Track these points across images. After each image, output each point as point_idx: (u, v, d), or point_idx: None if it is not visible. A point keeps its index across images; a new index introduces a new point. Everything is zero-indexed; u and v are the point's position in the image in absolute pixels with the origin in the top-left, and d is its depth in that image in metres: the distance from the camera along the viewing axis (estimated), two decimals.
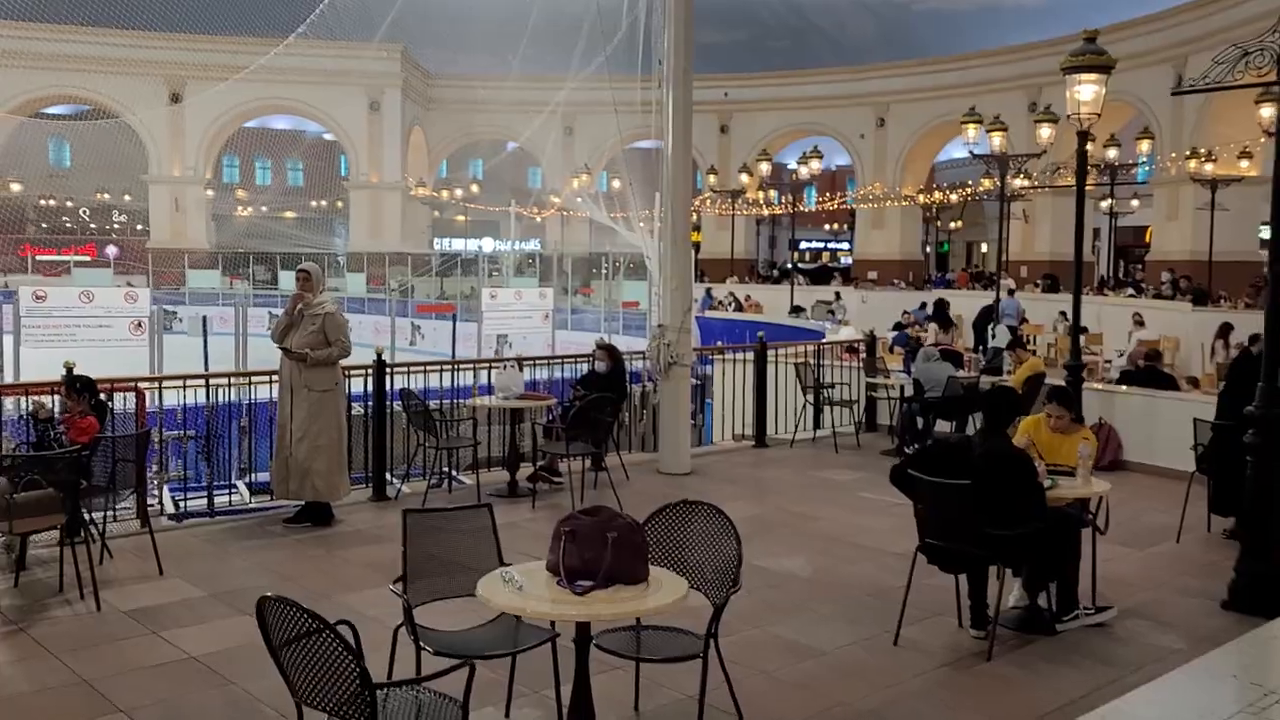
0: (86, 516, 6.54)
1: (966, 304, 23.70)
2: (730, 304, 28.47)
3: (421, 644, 4.04)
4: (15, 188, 47.48)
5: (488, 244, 49.30)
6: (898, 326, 17.42)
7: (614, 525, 3.82)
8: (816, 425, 12.08)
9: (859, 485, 9.68)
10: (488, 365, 10.36)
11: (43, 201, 52.26)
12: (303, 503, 7.91)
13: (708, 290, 29.77)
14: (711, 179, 38.41)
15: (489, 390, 9.76)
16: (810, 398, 11.63)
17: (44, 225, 52.94)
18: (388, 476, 8.96)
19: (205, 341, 11.90)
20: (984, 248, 51.28)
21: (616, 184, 27.96)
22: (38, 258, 44.76)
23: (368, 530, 7.89)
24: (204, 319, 11.68)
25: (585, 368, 10.48)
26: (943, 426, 11.06)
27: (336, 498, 7.95)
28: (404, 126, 46.86)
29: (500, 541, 4.48)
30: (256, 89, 42.73)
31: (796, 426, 11.73)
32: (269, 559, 7.10)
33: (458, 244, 50.92)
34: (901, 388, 11.27)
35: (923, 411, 10.79)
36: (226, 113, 45.22)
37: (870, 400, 12.45)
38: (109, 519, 6.91)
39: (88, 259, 45.99)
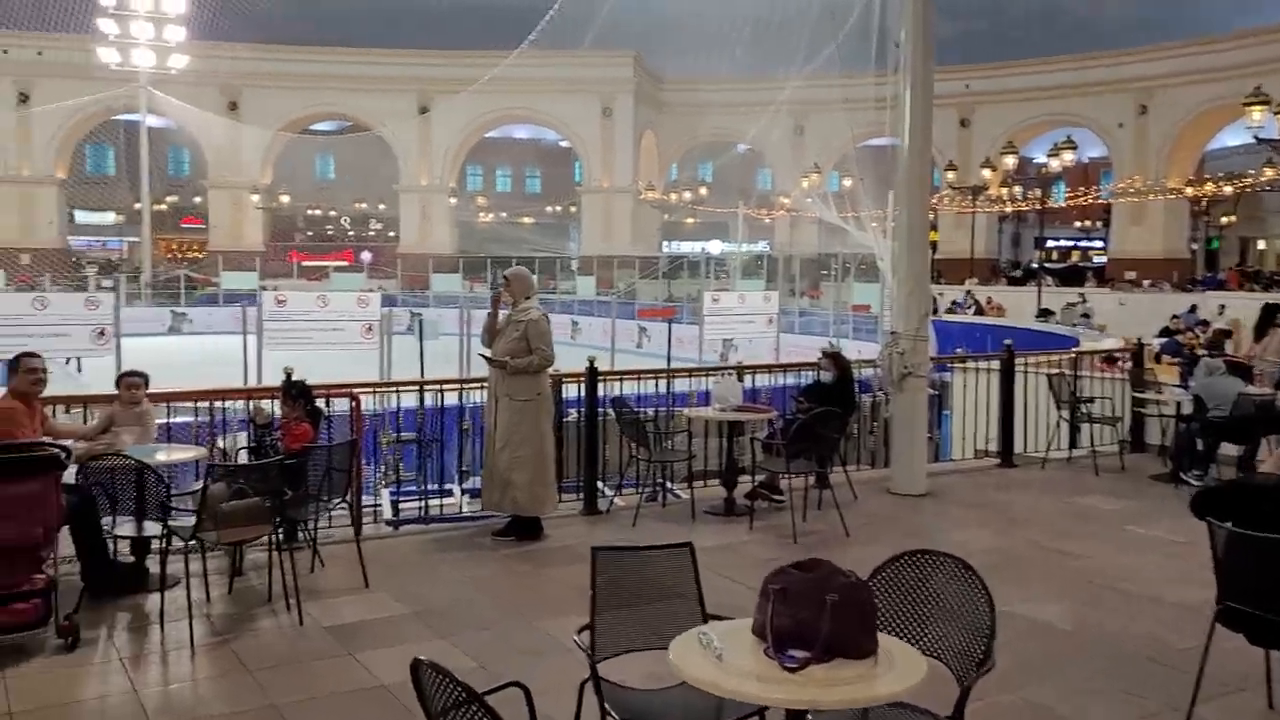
0: (298, 523, 6.50)
1: (1241, 307, 21.12)
2: (969, 306, 26.75)
3: (607, 707, 3.52)
4: (285, 199, 51.55)
5: (715, 246, 49.02)
6: (1166, 332, 15.57)
7: (834, 584, 3.14)
8: (1072, 444, 10.80)
9: (1126, 516, 8.45)
10: (705, 373, 9.82)
11: (309, 211, 56.53)
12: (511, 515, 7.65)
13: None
14: (950, 175, 36.45)
15: (706, 399, 9.23)
16: (1065, 413, 10.39)
17: (309, 233, 57.24)
18: (600, 487, 8.60)
19: (421, 345, 12.05)
20: (1260, 244, 46.19)
21: (848, 183, 26.88)
22: (303, 263, 48.25)
23: (577, 546, 7.50)
24: (420, 322, 11.86)
25: (810, 376, 9.77)
26: (1228, 450, 9.58)
27: (539, 512, 7.63)
28: (635, 131, 47.32)
29: (703, 586, 3.89)
30: (497, 100, 44.34)
31: (1049, 444, 10.52)
32: (475, 574, 6.84)
33: (686, 246, 50.94)
34: (1178, 404, 9.85)
35: (1203, 433, 9.37)
36: (470, 124, 47.15)
37: (1137, 417, 11.02)
38: (323, 526, 6.88)
39: (345, 264, 49.26)
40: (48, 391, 6.72)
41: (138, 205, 42.85)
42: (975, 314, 25.88)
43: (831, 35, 13.01)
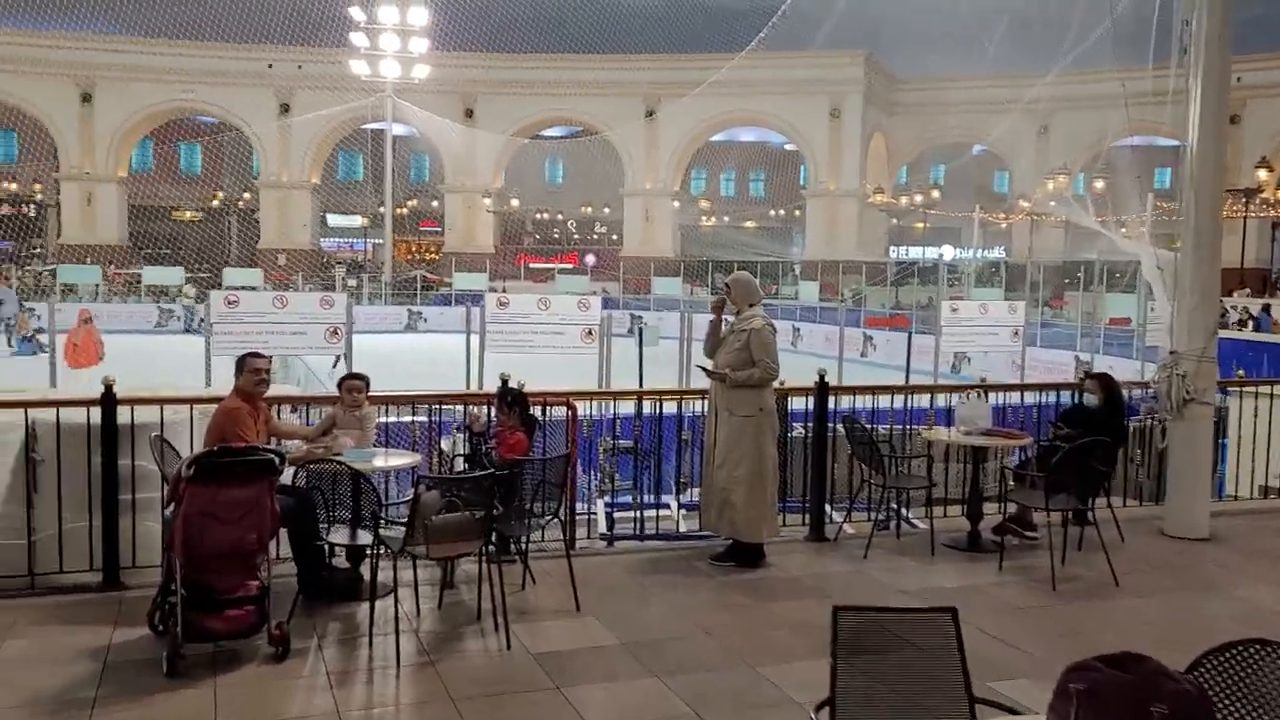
0: (510, 538, 6.21)
1: None
2: (1246, 321, 24.07)
3: None
4: (515, 203, 53.26)
5: (947, 252, 46.81)
6: None
7: (1161, 690, 2.40)
8: None
9: None
10: (948, 391, 8.94)
11: (537, 214, 58.24)
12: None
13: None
14: None
15: (946, 418, 8.38)
16: None
17: (537, 237, 58.97)
18: (827, 511, 7.92)
19: (641, 352, 11.69)
20: None
21: (1100, 184, 24.77)
22: (530, 265, 49.67)
23: (802, 579, 6.88)
24: (640, 328, 11.49)
25: (1066, 398, 8.71)
26: None
27: (756, 537, 7.04)
28: (864, 133, 45.85)
29: (968, 661, 3.19)
30: (723, 102, 44.04)
31: None
32: (689, 603, 6.33)
33: (914, 252, 48.94)
34: None
35: None
36: (695, 127, 47.08)
37: None
38: (535, 540, 6.57)
39: (570, 267, 50.32)
40: (274, 391, 6.75)
41: (381, 209, 45.32)
42: (1255, 330, 23.26)
43: (1099, 25, 11.72)
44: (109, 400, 6.14)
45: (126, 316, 31.98)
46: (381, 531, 5.67)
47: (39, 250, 48.75)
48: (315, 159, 48.49)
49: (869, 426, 7.87)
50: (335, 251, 55.34)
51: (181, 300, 34.50)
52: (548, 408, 7.38)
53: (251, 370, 6.10)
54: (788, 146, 52.06)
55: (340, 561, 6.28)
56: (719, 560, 7.07)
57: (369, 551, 5.87)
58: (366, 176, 53.24)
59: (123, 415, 6.23)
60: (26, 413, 6.17)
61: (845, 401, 8.53)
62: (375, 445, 6.74)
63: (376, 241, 51.65)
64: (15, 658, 5.20)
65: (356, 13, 40.47)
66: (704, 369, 7.15)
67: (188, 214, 53.01)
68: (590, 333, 11.22)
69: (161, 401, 6.40)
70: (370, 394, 6.75)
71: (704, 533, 7.50)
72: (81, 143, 44.84)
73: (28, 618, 5.72)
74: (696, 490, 8.58)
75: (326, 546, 6.03)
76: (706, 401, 7.30)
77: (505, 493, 5.99)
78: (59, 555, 6.20)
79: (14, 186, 50.19)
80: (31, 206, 50.52)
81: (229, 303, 10.09)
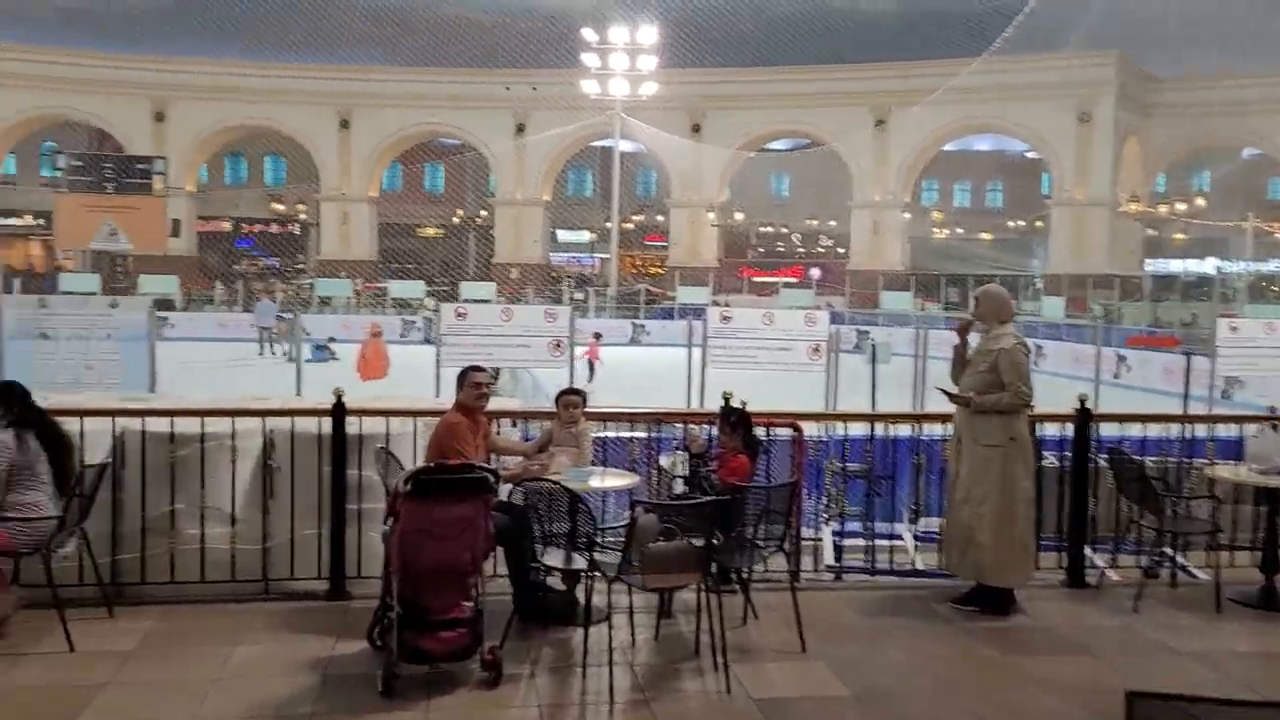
0: (731, 569, 5.81)
1: None
2: None
3: None
4: (740, 217, 53.08)
5: (1210, 264, 42.80)
6: None
7: None
8: None
9: None
10: (1232, 421, 7.84)
11: (762, 228, 57.81)
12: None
13: None
14: None
15: (1234, 451, 7.32)
16: None
17: (761, 250, 58.52)
18: (1087, 554, 7.06)
19: (874, 372, 10.98)
20: None
21: None
22: (754, 279, 49.28)
23: (1060, 631, 6.11)
24: (873, 346, 10.78)
25: None
26: None
27: (1007, 582, 6.31)
28: (1117, 138, 42.66)
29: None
30: (957, 110, 42.22)
31: None
32: (929, 652, 5.72)
33: (1173, 265, 45.05)
34: None
35: None
36: (927, 136, 45.37)
37: None
38: (757, 572, 6.15)
39: (794, 280, 49.54)
40: (497, 404, 6.65)
41: (608, 224, 46.20)
42: None
43: None
44: (339, 411, 6.20)
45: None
46: (597, 556, 5.41)
47: (302, 265, 52.79)
48: (547, 176, 50.05)
49: (1137, 459, 6.96)
50: (564, 266, 56.95)
51: (422, 312, 36.29)
52: (771, 429, 6.94)
53: (472, 385, 5.99)
54: (1028, 154, 49.29)
55: (556, 582, 6.08)
56: (962, 604, 6.39)
57: (584, 575, 5.62)
58: (595, 192, 54.54)
59: (354, 426, 6.29)
60: (264, 421, 6.32)
61: (1105, 429, 7.60)
62: (593, 463, 6.51)
63: (603, 256, 52.77)
64: (242, 665, 5.26)
65: (589, 34, 41.50)
66: (945, 392, 6.51)
67: (430, 230, 55.95)
68: (817, 349, 10.69)
69: (388, 413, 6.42)
70: (587, 409, 6.53)
71: (943, 570, 6.84)
72: (340, 165, 48.18)
73: (260, 623, 5.82)
74: (932, 520, 7.90)
75: (542, 567, 5.83)
76: (949, 428, 6.65)
77: (725, 520, 5.60)
78: (290, 562, 6.31)
79: (281, 207, 54.68)
80: (296, 225, 54.85)
81: (459, 315, 10.24)
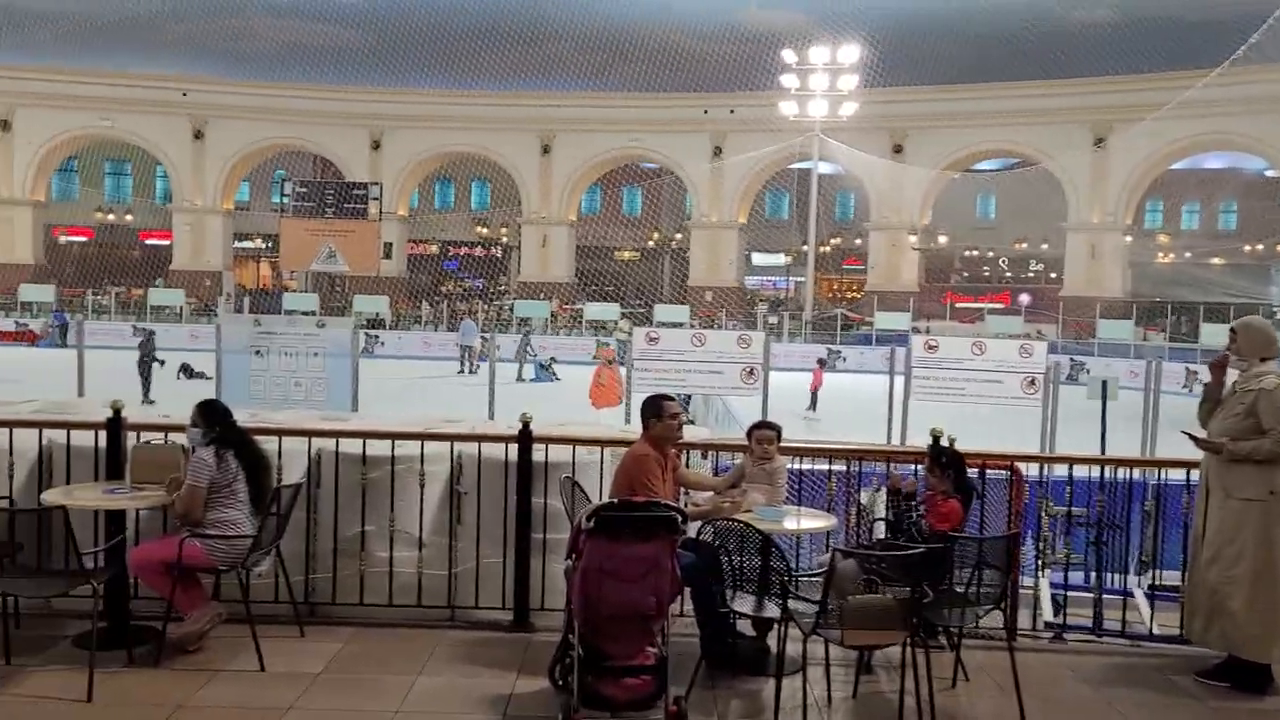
0: (940, 626, 5.28)
1: None
2: None
3: None
4: (943, 240, 51.20)
5: None
6: None
7: None
8: None
9: None
10: None
11: (966, 252, 55.58)
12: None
13: None
14: None
15: None
16: None
17: (965, 274, 56.23)
18: None
19: (1104, 411, 10.00)
20: None
21: None
22: (957, 305, 47.36)
23: None
24: (1103, 384, 9.83)
25: None
26: None
27: (1264, 657, 5.48)
28: None
29: None
30: (1186, 126, 39.33)
31: None
32: None
33: None
34: None
35: None
36: (1153, 154, 42.48)
37: None
38: (968, 629, 5.58)
39: (1001, 307, 47.28)
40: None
41: (804, 247, 45.50)
42: None
43: None
44: (525, 437, 6.05)
45: (568, 349, 34.43)
46: (791, 604, 5.00)
47: (504, 287, 54.60)
48: (743, 199, 49.82)
49: None
50: (758, 289, 56.53)
51: (616, 335, 36.70)
52: (986, 470, 6.34)
53: (670, 415, 5.70)
54: (1268, 172, 45.34)
55: (746, 627, 5.71)
56: (1209, 679, 5.61)
57: (778, 623, 5.22)
58: (791, 215, 53.90)
59: (540, 453, 6.14)
60: (453, 445, 6.25)
61: None
62: (787, 500, 6.10)
63: (798, 279, 52.01)
64: (424, 697, 5.15)
65: (788, 55, 41.09)
66: (1193, 438, 5.75)
67: (627, 253, 56.74)
68: (1033, 382, 9.87)
69: (574, 441, 6.23)
70: (782, 444, 6.13)
71: (1185, 637, 6.04)
72: (541, 190, 49.56)
73: (444, 653, 5.72)
74: (1165, 574, 7.05)
75: (732, 612, 5.47)
76: (1198, 477, 5.88)
77: (934, 570, 5.07)
78: (475, 589, 6.20)
79: (485, 230, 56.77)
80: (498, 248, 56.82)
81: (650, 339, 10.05)
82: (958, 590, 5.26)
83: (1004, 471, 6.46)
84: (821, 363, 23.36)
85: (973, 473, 6.13)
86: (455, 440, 6.21)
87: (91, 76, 45.93)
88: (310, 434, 6.17)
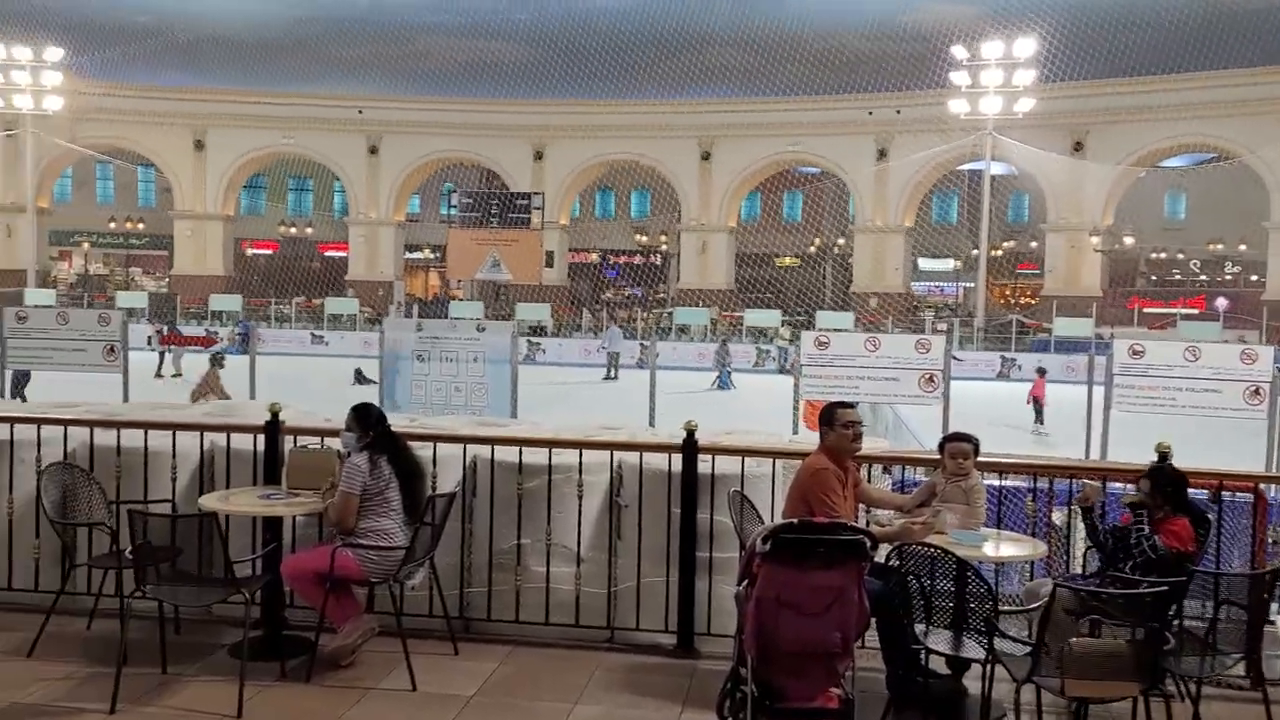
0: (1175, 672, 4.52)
1: None
2: None
3: None
4: (1129, 240, 48.13)
5: None
6: None
7: None
8: None
9: None
10: None
11: (1153, 254, 52.11)
12: None
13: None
14: None
15: None
16: None
17: (1153, 278, 52.73)
18: None
19: None
20: None
21: None
22: (1144, 310, 44.40)
23: None
24: None
25: None
26: None
27: None
28: None
29: None
30: None
31: None
32: None
33: None
34: None
35: None
36: None
37: None
38: (1207, 677, 4.78)
39: (1194, 312, 44.07)
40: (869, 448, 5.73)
41: (975, 251, 43.58)
42: None
43: None
44: (690, 447, 5.59)
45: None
46: (996, 643, 4.36)
47: (661, 295, 54.53)
48: (909, 202, 48.18)
49: None
50: (925, 295, 54.62)
51: (777, 341, 35.93)
52: (1221, 493, 5.49)
53: (843, 424, 5.12)
54: None
55: (941, 664, 5.07)
56: None
57: (981, 664, 4.58)
58: (960, 218, 51.82)
59: (706, 464, 5.67)
60: (612, 454, 5.86)
61: None
62: (986, 523, 5.42)
63: (967, 285, 49.91)
64: None
65: (959, 51, 39.43)
66: None
67: (787, 259, 55.76)
68: (1257, 391, 8.77)
69: (744, 452, 5.72)
70: (980, 459, 5.46)
71: None
72: (700, 196, 49.24)
73: (603, 678, 5.32)
74: None
75: (925, 649, 4.85)
76: None
77: (1165, 604, 4.33)
78: (636, 610, 5.78)
79: (644, 238, 56.85)
80: (657, 255, 56.82)
81: (819, 344, 9.44)
82: (1191, 629, 4.51)
83: (1238, 494, 5.60)
84: (1042, 372, 21.57)
85: (1197, 493, 5.32)
86: (615, 449, 5.80)
87: (275, 97, 48.32)
88: (465, 440, 5.87)
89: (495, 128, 48.16)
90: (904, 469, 6.25)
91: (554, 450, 5.74)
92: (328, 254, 54.84)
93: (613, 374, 30.46)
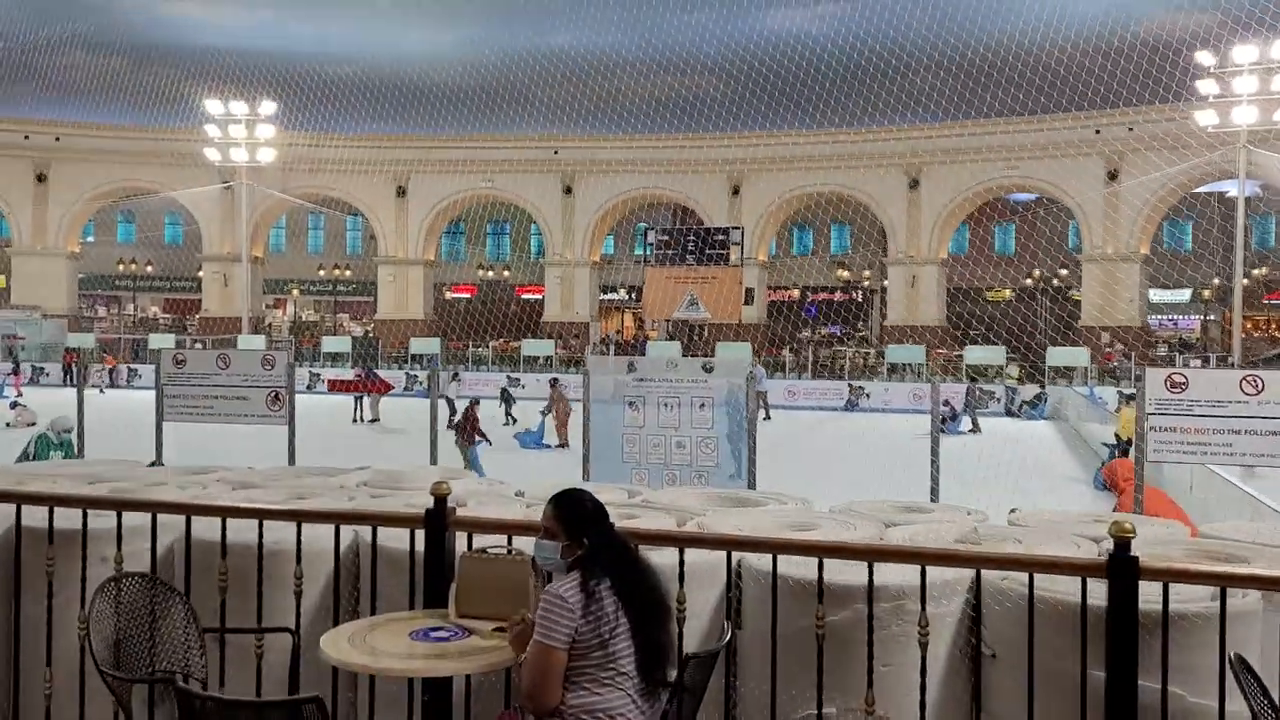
0: None
1: None
2: None
3: None
4: None
5: None
6: None
7: None
8: None
9: None
10: None
11: None
12: None
13: None
14: None
15: None
16: None
17: None
18: None
19: None
20: None
21: None
22: None
23: None
24: None
25: None
26: None
27: None
28: None
29: None
30: None
31: None
32: None
33: None
34: None
35: None
36: None
37: None
38: None
39: None
40: None
41: (1216, 280, 38.65)
42: None
43: None
44: (1124, 566, 3.27)
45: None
46: None
47: (863, 332, 51.49)
48: (1144, 227, 43.55)
49: None
50: (1158, 329, 49.48)
51: (1004, 381, 32.52)
52: None
53: None
54: None
55: None
56: None
57: None
58: (1197, 244, 46.70)
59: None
60: (978, 575, 3.60)
61: None
62: None
63: (1207, 318, 44.60)
64: None
65: (1204, 57, 35.08)
66: None
67: (1000, 293, 51.79)
68: None
69: (1225, 580, 3.35)
70: None
71: None
72: (907, 228, 46.15)
73: None
74: None
75: None
76: None
77: None
78: None
79: (846, 274, 53.99)
80: (859, 291, 53.81)
81: (1173, 385, 6.85)
82: None
83: None
84: None
85: None
86: (977, 565, 3.53)
87: (472, 141, 48.54)
88: (730, 544, 3.72)
89: (690, 163, 46.71)
90: None
91: (875, 564, 3.51)
92: (524, 296, 54.69)
93: (766, 415, 26.73)
